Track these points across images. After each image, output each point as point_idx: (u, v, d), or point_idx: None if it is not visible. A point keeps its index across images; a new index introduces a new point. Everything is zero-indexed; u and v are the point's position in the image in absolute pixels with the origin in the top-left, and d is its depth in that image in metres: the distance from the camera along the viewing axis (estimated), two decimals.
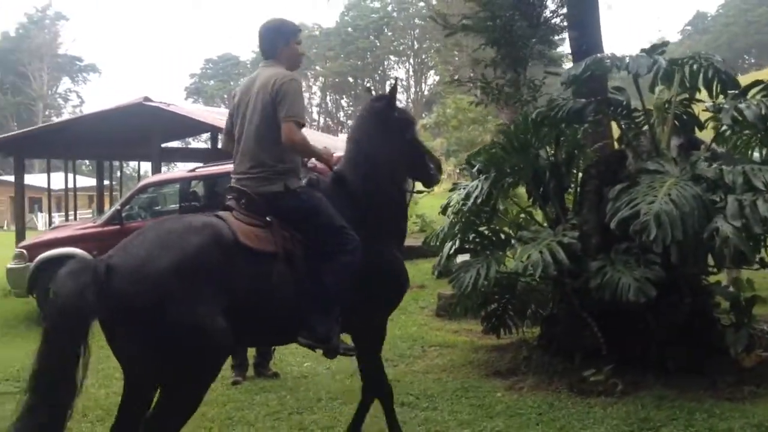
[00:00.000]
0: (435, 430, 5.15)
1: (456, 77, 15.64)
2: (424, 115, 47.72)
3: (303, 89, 4.48)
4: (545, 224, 6.89)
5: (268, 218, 4.10)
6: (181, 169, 16.71)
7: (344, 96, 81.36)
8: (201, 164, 13.25)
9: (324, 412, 5.67)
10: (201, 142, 42.37)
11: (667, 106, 6.67)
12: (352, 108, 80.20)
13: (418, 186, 5.05)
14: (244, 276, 3.75)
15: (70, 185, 21.18)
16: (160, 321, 3.42)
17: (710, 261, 5.94)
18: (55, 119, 51.90)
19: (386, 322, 4.73)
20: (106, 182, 22.89)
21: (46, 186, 22.28)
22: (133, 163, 25.97)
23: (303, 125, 4.23)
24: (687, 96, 6.76)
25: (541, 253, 5.76)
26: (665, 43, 6.33)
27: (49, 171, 21.88)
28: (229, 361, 6.65)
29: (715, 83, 6.24)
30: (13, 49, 70.75)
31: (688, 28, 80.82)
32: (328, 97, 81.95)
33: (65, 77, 78.71)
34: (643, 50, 6.32)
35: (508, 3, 9.01)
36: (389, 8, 76.75)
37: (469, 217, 6.88)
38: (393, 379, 5.73)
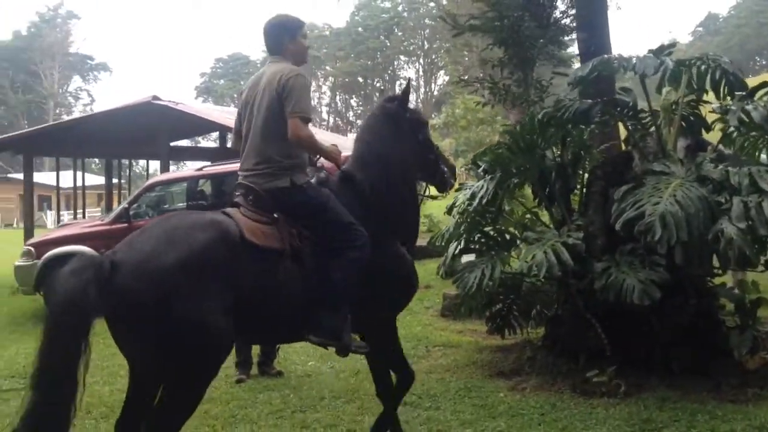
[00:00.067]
0: (437, 430, 5.15)
1: (463, 77, 15.61)
2: (433, 115, 47.65)
3: (310, 85, 4.47)
4: (551, 225, 6.88)
5: (275, 215, 4.08)
6: (189, 167, 16.77)
7: (354, 96, 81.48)
8: (209, 163, 13.29)
9: (327, 410, 5.68)
10: (210, 141, 42.46)
11: (674, 107, 6.65)
12: (361, 108, 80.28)
13: (432, 191, 5.04)
14: (250, 273, 3.74)
15: (79, 183, 21.25)
16: (164, 317, 3.41)
17: (716, 263, 5.91)
18: (66, 117, 52.11)
19: (394, 322, 4.68)
20: (115, 180, 22.99)
21: (55, 184, 22.35)
22: (142, 162, 26.00)
23: (309, 120, 4.22)
24: (694, 97, 6.73)
25: (546, 254, 5.76)
26: (672, 44, 6.31)
27: (58, 169, 21.97)
28: (233, 359, 6.68)
29: (722, 85, 6.22)
30: (24, 47, 71.10)
31: (700, 29, 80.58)
32: (337, 97, 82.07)
33: (76, 76, 79.12)
34: (650, 51, 6.31)
35: (516, 3, 9.01)
36: (399, 8, 76.82)
37: (474, 218, 6.86)
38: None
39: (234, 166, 10.65)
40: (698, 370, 5.83)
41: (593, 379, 5.79)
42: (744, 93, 6.15)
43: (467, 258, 6.93)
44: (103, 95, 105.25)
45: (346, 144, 11.29)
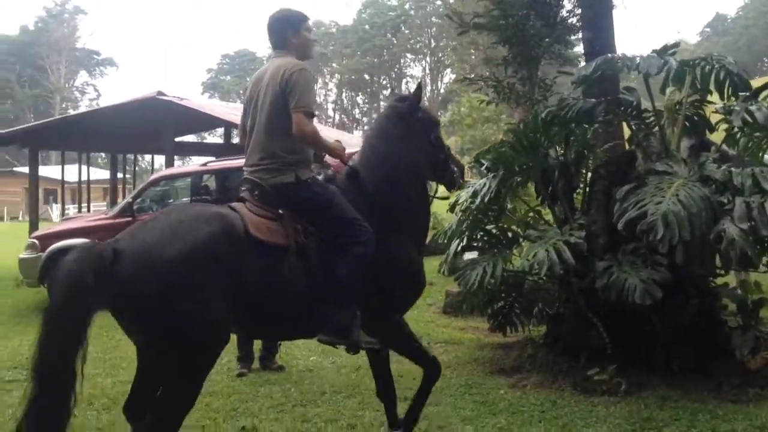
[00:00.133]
0: (437, 426, 5.16)
1: (469, 76, 15.60)
2: (440, 113, 47.67)
3: (314, 79, 4.45)
4: (554, 224, 6.89)
5: (280, 211, 4.06)
6: (195, 163, 16.82)
7: (360, 93, 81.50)
8: (213, 158, 13.33)
9: (327, 405, 5.70)
10: (216, 137, 42.50)
11: (677, 107, 6.65)
12: (367, 105, 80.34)
13: (442, 190, 5.02)
14: (253, 268, 3.72)
15: (84, 177, 21.30)
16: (165, 309, 3.41)
17: (718, 263, 5.92)
18: (72, 112, 52.23)
19: (401, 320, 4.56)
20: (120, 175, 23.03)
21: (61, 178, 22.41)
22: (148, 157, 26.07)
23: (313, 116, 4.18)
24: (698, 97, 6.73)
25: (547, 252, 5.77)
26: (676, 44, 6.30)
27: (63, 163, 22.01)
28: (235, 353, 6.71)
29: (726, 85, 6.22)
30: (31, 42, 71.23)
31: (707, 30, 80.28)
32: (344, 94, 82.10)
33: (83, 71, 79.28)
34: (654, 51, 6.31)
35: (522, 2, 8.99)
36: (406, 6, 76.76)
37: (476, 215, 6.88)
38: (397, 375, 5.74)
39: (238, 162, 10.72)
40: (699, 369, 5.85)
41: (594, 377, 5.81)
42: (748, 93, 6.15)
43: (469, 255, 6.95)
44: (110, 90, 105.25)
45: (350, 141, 11.31)
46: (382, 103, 79.87)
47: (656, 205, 5.36)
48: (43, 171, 27.07)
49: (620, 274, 5.65)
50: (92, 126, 17.45)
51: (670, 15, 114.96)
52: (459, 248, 6.99)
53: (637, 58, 6.10)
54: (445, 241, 7.22)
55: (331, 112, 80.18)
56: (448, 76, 71.53)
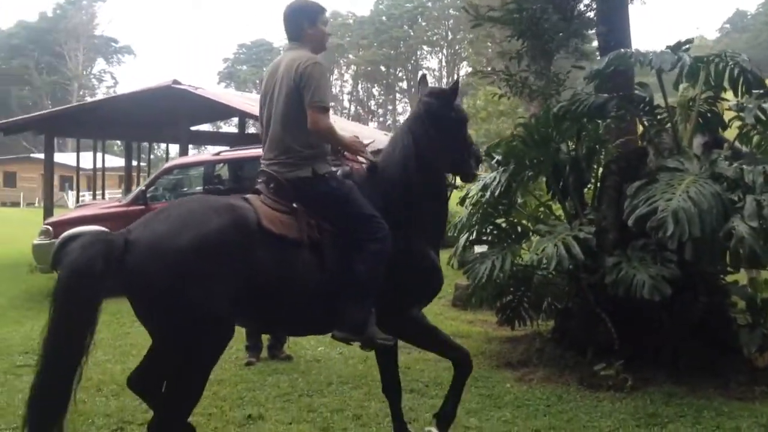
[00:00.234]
0: None
1: (483, 69, 15.57)
2: None
3: (328, 72, 4.42)
4: (564, 219, 6.88)
5: (294, 205, 4.03)
6: (209, 152, 16.90)
7: (376, 85, 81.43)
8: (227, 148, 13.40)
9: (334, 395, 5.73)
10: (231, 127, 42.63)
11: (691, 103, 6.62)
12: (383, 97, 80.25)
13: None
14: (265, 261, 3.71)
15: (99, 165, 21.44)
16: (175, 298, 3.43)
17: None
18: (89, 99, 52.47)
19: (419, 315, 4.44)
20: (135, 163, 23.16)
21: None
22: (163, 145, 26.20)
23: (328, 110, 4.14)
24: (712, 94, 6.70)
25: (556, 247, 5.77)
26: (690, 40, 6.26)
27: (78, 150, 22.17)
28: (243, 342, 6.75)
29: (740, 82, 6.19)
30: (50, 29, 71.59)
31: (727, 26, 79.67)
32: (359, 86, 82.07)
33: (100, 58, 79.60)
34: (668, 47, 6.27)
35: None
36: None
37: (486, 209, 6.88)
38: (404, 366, 5.79)
39: (251, 151, 10.79)
40: (706, 366, 5.84)
41: (600, 372, 5.81)
42: (761, 91, 6.11)
43: (479, 249, 6.96)
44: (127, 78, 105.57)
45: (363, 132, 11.29)
46: (398, 95, 79.93)
47: (666, 202, 5.34)
48: (59, 158, 27.24)
49: (629, 270, 5.64)
50: (107, 114, 17.54)
51: (690, 11, 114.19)
52: (468, 242, 6.99)
53: (650, 54, 6.06)
54: (455, 234, 7.22)
55: (346, 104, 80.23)
56: (465, 68, 71.36)
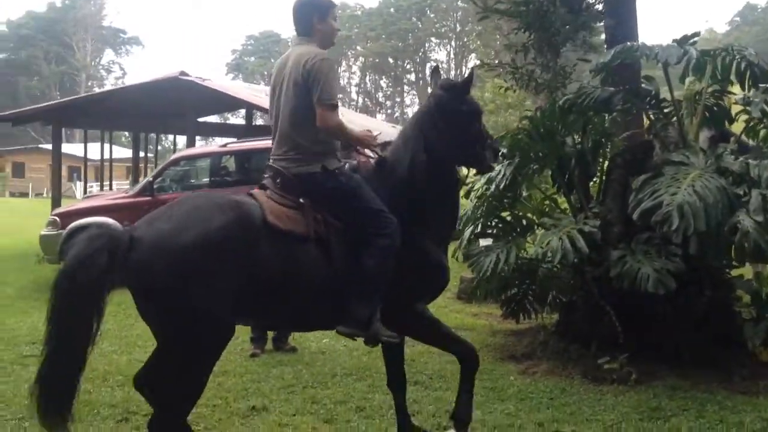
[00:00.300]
0: (446, 410, 5.17)
1: (490, 62, 15.50)
2: None
3: (336, 67, 4.37)
4: (569, 212, 6.88)
5: (301, 200, 4.02)
6: (216, 144, 16.94)
7: (384, 77, 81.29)
8: (234, 139, 13.43)
9: (338, 387, 5.76)
10: (239, 119, 42.62)
11: (697, 97, 6.61)
12: (391, 89, 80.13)
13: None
14: (270, 256, 3.71)
15: (107, 156, 21.48)
16: (177, 298, 3.45)
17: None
18: (98, 90, 52.55)
19: (423, 311, 4.40)
20: (143, 154, 23.20)
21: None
22: (171, 137, 26.20)
23: (336, 107, 4.11)
24: (718, 88, 6.68)
25: (561, 240, 5.78)
26: (696, 33, 6.24)
27: (86, 141, 22.20)
28: (248, 333, 6.77)
29: (747, 76, 6.18)
30: (59, 19, 71.67)
31: (737, 19, 79.20)
32: (367, 78, 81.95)
33: (108, 49, 79.67)
34: (674, 40, 6.25)
35: None
36: None
37: (491, 202, 6.88)
38: (408, 359, 5.77)
39: (258, 143, 10.80)
40: (710, 360, 5.85)
41: (604, 365, 5.82)
42: None
43: (484, 242, 6.95)
44: (135, 69, 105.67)
45: (369, 124, 11.28)
46: (405, 87, 79.79)
47: (672, 196, 5.34)
48: (67, 148, 27.32)
49: (634, 264, 5.65)
50: (115, 104, 17.57)
51: (700, 4, 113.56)
52: (473, 234, 7.00)
53: (656, 48, 6.05)
54: (460, 227, 7.21)
55: (354, 96, 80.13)
56: (473, 61, 71.14)
